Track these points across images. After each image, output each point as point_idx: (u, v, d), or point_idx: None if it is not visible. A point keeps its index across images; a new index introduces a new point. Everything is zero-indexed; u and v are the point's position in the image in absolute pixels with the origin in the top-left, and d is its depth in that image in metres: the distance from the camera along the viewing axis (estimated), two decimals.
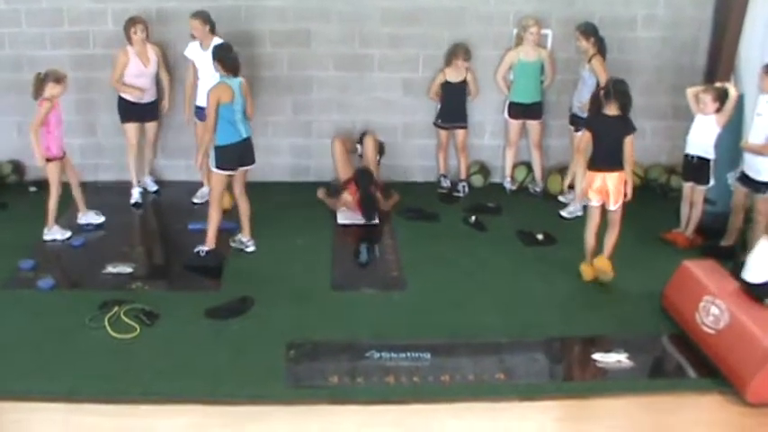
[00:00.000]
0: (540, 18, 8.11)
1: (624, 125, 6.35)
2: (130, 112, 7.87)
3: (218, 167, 6.70)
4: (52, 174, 7.01)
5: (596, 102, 6.46)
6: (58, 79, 6.87)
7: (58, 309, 6.03)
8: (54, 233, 7.14)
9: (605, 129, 6.37)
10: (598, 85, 7.59)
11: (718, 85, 7.12)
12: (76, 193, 7.35)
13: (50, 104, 6.84)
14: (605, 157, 6.40)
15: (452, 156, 8.67)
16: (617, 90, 6.31)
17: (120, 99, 7.85)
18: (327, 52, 8.34)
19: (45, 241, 7.09)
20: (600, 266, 6.54)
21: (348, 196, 7.82)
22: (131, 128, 7.91)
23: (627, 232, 7.17)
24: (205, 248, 6.82)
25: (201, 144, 6.76)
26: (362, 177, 7.85)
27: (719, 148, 6.97)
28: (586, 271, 6.64)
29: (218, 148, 6.65)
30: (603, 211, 6.55)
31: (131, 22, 7.60)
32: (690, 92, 7.07)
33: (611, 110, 6.34)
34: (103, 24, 8.05)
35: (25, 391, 5.06)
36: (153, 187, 8.43)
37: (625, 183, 6.40)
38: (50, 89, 6.82)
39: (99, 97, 8.22)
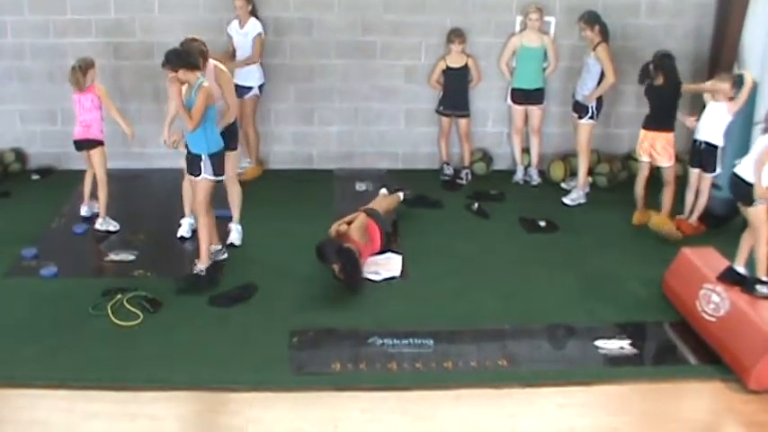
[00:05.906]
0: (543, 5, 8.08)
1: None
2: None
3: (216, 174, 6.13)
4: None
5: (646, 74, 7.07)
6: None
7: (60, 297, 6.05)
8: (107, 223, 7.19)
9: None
10: (602, 73, 7.61)
11: (734, 72, 7.12)
12: (88, 181, 7.35)
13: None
14: None
15: (455, 143, 8.66)
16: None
17: None
18: (330, 40, 8.31)
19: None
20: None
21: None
22: None
23: (631, 219, 7.19)
24: (203, 267, 6.28)
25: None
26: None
27: (729, 136, 6.96)
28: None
29: (215, 155, 6.10)
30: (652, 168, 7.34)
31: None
32: (709, 84, 7.10)
33: (659, 80, 7.03)
34: (106, 13, 8.04)
35: (29, 377, 5.09)
36: (237, 240, 6.87)
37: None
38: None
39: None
